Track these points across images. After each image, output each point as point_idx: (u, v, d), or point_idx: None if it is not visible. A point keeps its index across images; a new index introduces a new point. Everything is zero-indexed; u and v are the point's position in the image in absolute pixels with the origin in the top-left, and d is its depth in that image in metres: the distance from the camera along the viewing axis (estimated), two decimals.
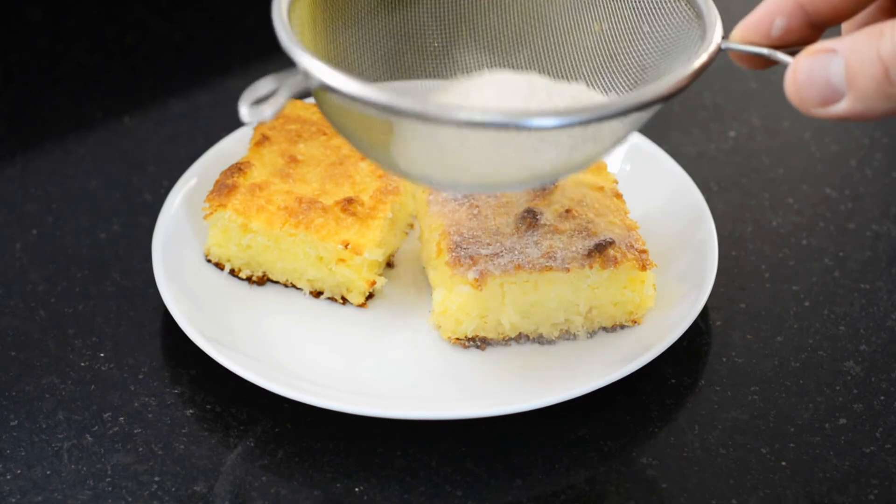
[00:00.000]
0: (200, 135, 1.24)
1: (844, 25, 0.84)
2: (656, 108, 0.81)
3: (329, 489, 0.93)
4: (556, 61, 0.92)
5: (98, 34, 1.37)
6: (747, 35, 0.83)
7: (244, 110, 0.78)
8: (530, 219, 1.02)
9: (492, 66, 0.92)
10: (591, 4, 0.91)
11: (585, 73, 0.91)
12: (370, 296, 1.06)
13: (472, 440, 0.96)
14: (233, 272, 1.08)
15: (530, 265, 0.99)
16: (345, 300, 1.06)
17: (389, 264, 1.09)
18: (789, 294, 1.07)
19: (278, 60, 1.33)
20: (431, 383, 0.99)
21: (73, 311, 1.06)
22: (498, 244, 1.01)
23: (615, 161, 1.15)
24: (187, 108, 1.28)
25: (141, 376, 1.01)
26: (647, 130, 1.23)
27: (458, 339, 1.02)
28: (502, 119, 0.78)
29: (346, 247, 1.03)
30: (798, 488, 0.93)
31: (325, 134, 1.12)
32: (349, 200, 1.05)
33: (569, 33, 0.92)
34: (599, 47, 0.91)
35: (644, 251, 1.01)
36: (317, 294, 1.06)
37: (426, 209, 1.05)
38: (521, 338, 1.02)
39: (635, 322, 1.03)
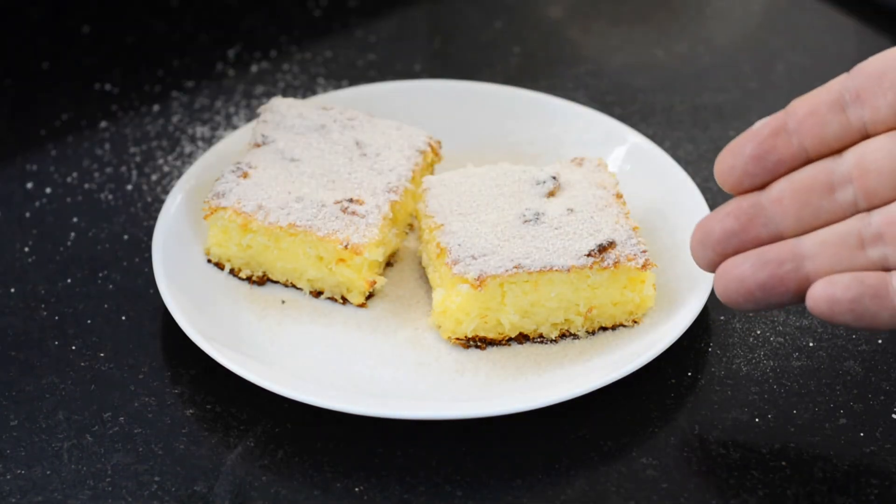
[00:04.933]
0: (200, 135, 1.24)
1: None
2: None
3: (329, 489, 0.93)
4: None
5: (98, 34, 1.37)
6: None
7: None
8: (531, 218, 1.02)
9: None
10: None
11: None
12: (370, 295, 1.06)
13: (472, 440, 0.96)
14: (233, 272, 1.07)
15: (530, 265, 0.99)
16: (345, 300, 1.06)
17: (389, 264, 1.09)
18: None
19: (278, 60, 1.34)
20: (431, 383, 0.99)
21: (73, 311, 1.06)
22: (498, 244, 1.01)
23: (615, 161, 1.15)
24: (187, 108, 1.28)
25: (141, 376, 1.01)
26: (648, 130, 1.23)
27: (458, 339, 1.02)
28: None
29: (346, 247, 1.03)
30: (798, 488, 0.93)
31: (325, 134, 1.11)
32: (349, 200, 1.05)
33: None
34: None
35: (644, 251, 1.01)
36: (317, 294, 1.06)
37: (426, 209, 1.05)
38: (521, 338, 1.02)
39: (635, 322, 1.03)
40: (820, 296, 0.77)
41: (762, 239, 0.80)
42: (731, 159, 0.81)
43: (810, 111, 0.79)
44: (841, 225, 0.78)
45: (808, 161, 0.80)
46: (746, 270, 0.79)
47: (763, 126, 0.80)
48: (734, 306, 0.81)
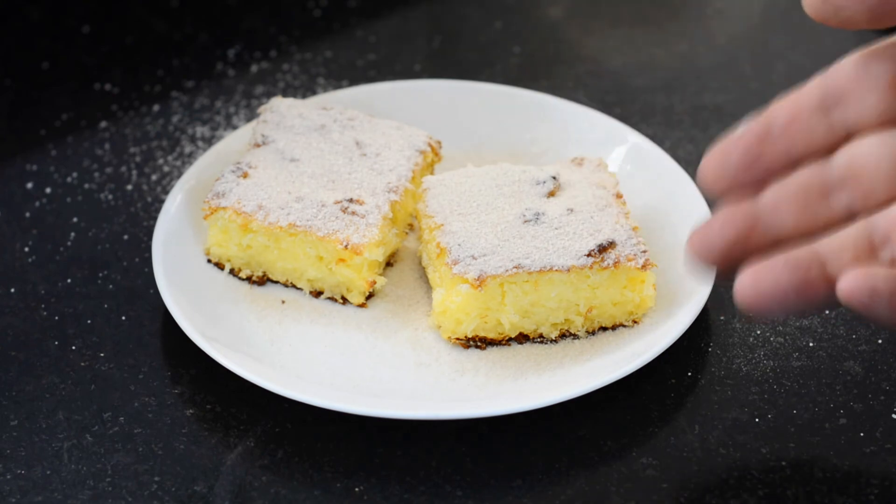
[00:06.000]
0: (200, 135, 1.24)
1: None
2: None
3: (329, 489, 0.93)
4: None
5: (98, 34, 1.37)
6: None
7: None
8: (531, 218, 1.02)
9: None
10: None
11: None
12: (370, 295, 1.06)
13: (472, 440, 0.96)
14: (233, 272, 1.07)
15: (530, 265, 0.99)
16: (345, 300, 1.06)
17: (389, 264, 1.09)
18: None
19: (278, 60, 1.34)
20: (431, 383, 0.99)
21: (73, 311, 1.06)
22: (498, 244, 1.01)
23: (615, 161, 1.15)
24: (187, 108, 1.28)
25: (141, 376, 1.01)
26: (648, 130, 1.23)
27: (458, 339, 1.02)
28: None
29: (346, 247, 1.03)
30: (798, 488, 0.93)
31: (325, 134, 1.11)
32: (349, 200, 1.05)
33: None
34: None
35: (644, 251, 1.01)
36: (317, 294, 1.06)
37: (426, 209, 1.05)
38: (521, 338, 1.02)
39: (635, 322, 1.03)
40: (859, 285, 0.76)
41: (762, 247, 0.79)
42: (719, 167, 0.80)
43: (794, 116, 0.79)
44: (849, 229, 0.78)
45: (795, 164, 0.80)
46: (781, 276, 0.78)
47: (747, 132, 0.80)
48: (762, 313, 0.79)
